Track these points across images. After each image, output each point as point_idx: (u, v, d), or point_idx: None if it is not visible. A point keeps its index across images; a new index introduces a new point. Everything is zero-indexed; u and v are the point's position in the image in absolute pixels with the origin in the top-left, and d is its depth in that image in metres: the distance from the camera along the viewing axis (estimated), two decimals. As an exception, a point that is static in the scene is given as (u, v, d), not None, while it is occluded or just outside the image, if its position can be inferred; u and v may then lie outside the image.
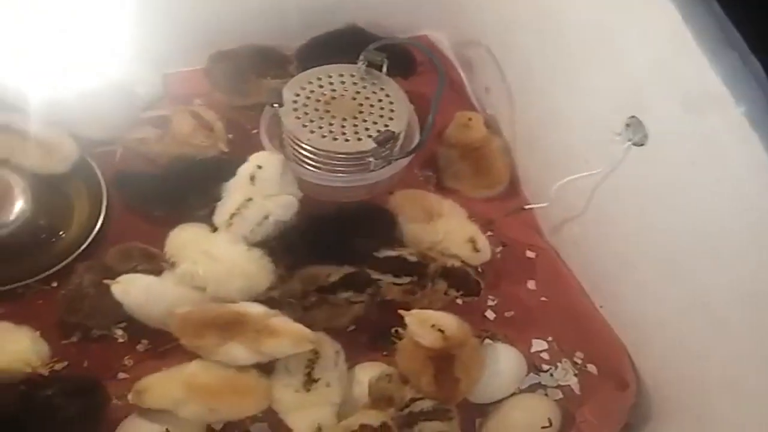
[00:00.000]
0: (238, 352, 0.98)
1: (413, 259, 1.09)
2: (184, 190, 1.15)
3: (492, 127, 1.33)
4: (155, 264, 1.07)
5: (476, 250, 1.14)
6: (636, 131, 0.95)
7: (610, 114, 0.98)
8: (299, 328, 0.99)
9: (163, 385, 0.98)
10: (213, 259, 1.05)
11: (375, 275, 1.08)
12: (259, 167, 1.08)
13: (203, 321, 0.98)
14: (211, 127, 1.21)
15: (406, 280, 1.08)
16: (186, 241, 1.09)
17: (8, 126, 1.14)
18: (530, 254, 1.24)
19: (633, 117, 0.95)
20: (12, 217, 1.12)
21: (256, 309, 1.00)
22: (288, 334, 0.98)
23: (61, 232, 1.18)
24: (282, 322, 0.99)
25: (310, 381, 0.99)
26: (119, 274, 1.04)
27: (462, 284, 1.11)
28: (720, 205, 0.86)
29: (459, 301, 1.13)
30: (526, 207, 1.28)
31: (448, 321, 1.02)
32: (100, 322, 1.08)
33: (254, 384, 1.00)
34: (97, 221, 1.16)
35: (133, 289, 1.03)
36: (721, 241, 0.87)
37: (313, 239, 1.10)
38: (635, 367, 1.10)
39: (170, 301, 1.03)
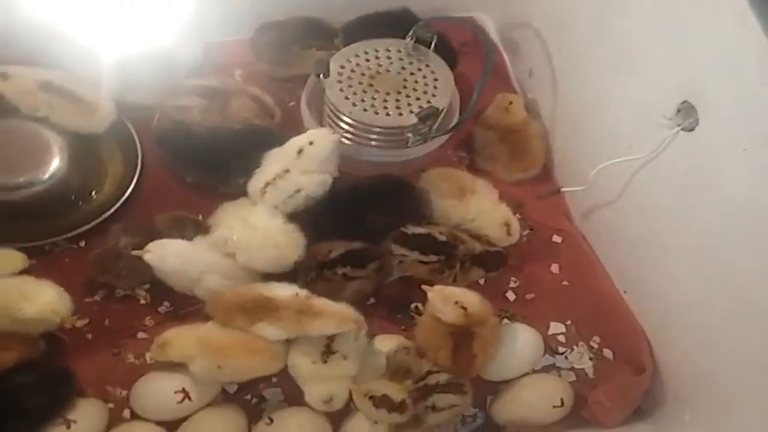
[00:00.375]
0: (269, 331, 1.00)
1: (442, 238, 1.10)
2: (221, 158, 1.16)
3: (531, 111, 1.33)
4: (202, 233, 1.09)
5: (509, 234, 1.16)
6: (687, 116, 0.95)
7: (661, 98, 0.98)
8: (342, 308, 1.00)
9: (180, 340, 1.01)
10: (249, 227, 1.07)
11: (401, 251, 1.08)
12: (311, 143, 1.09)
13: (233, 305, 1.01)
14: (272, 114, 1.22)
15: (433, 258, 1.09)
16: (226, 208, 1.11)
17: (50, 83, 1.16)
18: (557, 239, 1.24)
19: (685, 102, 0.95)
20: (47, 174, 1.13)
21: (286, 291, 1.02)
22: (332, 315, 0.99)
23: (92, 192, 1.20)
24: (324, 303, 1.01)
25: (328, 352, 1.01)
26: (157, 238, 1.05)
27: (491, 265, 1.12)
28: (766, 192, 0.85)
29: (481, 281, 1.16)
30: (563, 190, 1.28)
31: (471, 298, 1.03)
32: (128, 282, 1.10)
33: (266, 345, 1.02)
34: (129, 184, 1.18)
35: (167, 255, 1.04)
36: (762, 228, 0.87)
37: (338, 213, 1.11)
38: (653, 353, 1.11)
39: (200, 268, 1.05)
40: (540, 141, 1.30)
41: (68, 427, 0.97)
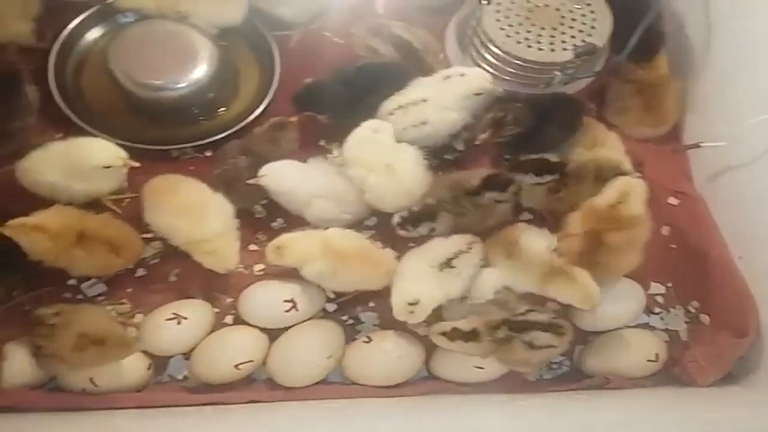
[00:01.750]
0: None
1: (554, 159, 1.10)
2: (359, 94, 1.16)
3: (675, 67, 1.30)
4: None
5: None
6: None
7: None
8: (592, 286, 1.01)
9: (300, 242, 1.05)
10: (390, 173, 1.08)
11: (517, 176, 1.09)
12: (462, 75, 1.11)
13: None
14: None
15: (547, 178, 1.09)
16: (367, 141, 1.11)
17: None
18: (673, 200, 1.24)
19: None
20: (189, 81, 1.18)
21: (540, 243, 1.04)
22: (580, 287, 1.01)
23: (223, 106, 1.24)
24: (580, 272, 1.01)
25: (446, 265, 1.03)
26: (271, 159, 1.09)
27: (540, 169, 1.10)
28: None
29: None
30: (703, 144, 1.24)
31: (639, 203, 1.03)
32: (246, 200, 1.13)
33: (382, 260, 1.06)
34: (261, 102, 1.21)
35: (281, 177, 1.09)
36: None
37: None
38: (759, 320, 1.11)
39: (312, 192, 1.09)
40: (676, 98, 1.28)
41: (179, 323, 1.03)
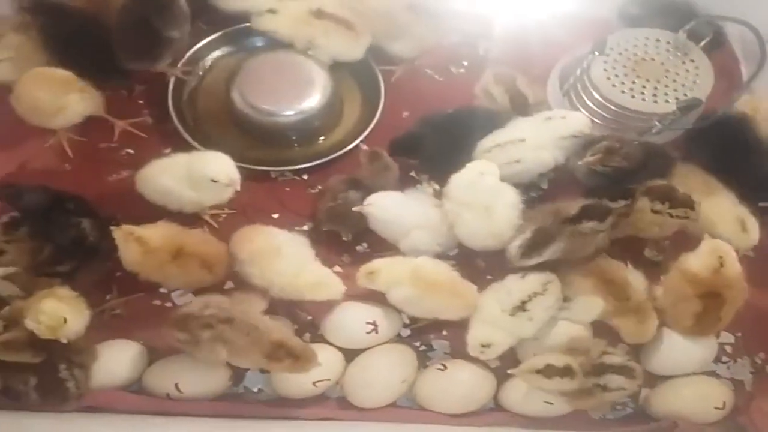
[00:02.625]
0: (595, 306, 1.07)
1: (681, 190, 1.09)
2: (453, 141, 1.19)
3: None
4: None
5: (744, 230, 1.15)
6: None
7: None
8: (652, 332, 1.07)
9: (391, 268, 1.08)
10: (487, 214, 1.09)
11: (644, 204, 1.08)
12: (563, 117, 1.15)
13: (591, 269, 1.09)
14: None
15: (621, 203, 1.10)
16: (472, 184, 1.12)
17: (321, 10, 1.26)
18: (750, 253, 1.19)
19: None
20: (300, 109, 1.25)
21: (641, 282, 1.09)
22: (644, 328, 1.07)
23: (325, 134, 1.30)
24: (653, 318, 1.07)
25: (520, 308, 1.05)
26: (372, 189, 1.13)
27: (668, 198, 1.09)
28: None
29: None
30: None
31: (735, 261, 1.06)
32: (347, 229, 1.17)
33: (468, 292, 1.09)
34: (361, 133, 1.27)
35: (386, 207, 1.12)
36: None
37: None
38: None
39: (413, 222, 1.12)
40: None
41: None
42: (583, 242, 1.07)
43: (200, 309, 1.00)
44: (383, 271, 1.08)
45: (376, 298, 1.10)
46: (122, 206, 1.15)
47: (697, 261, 1.07)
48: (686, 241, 1.11)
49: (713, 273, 1.06)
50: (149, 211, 1.12)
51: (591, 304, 1.09)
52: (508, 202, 1.11)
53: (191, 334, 0.99)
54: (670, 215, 1.07)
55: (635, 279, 1.10)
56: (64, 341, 0.98)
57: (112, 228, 1.03)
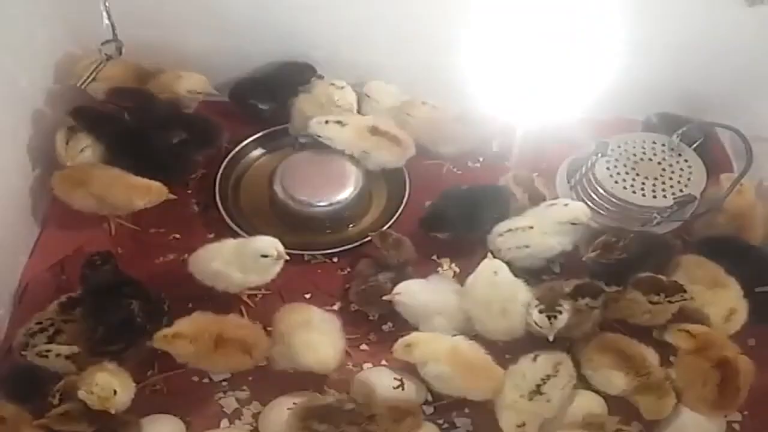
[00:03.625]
0: (618, 380, 1.13)
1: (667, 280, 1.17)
2: (481, 216, 1.31)
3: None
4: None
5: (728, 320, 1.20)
6: None
7: None
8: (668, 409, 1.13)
9: (430, 343, 1.14)
10: (503, 315, 1.18)
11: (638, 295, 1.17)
12: (566, 204, 1.27)
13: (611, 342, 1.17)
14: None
15: (614, 288, 1.18)
16: (488, 283, 1.20)
17: (377, 127, 1.41)
18: (752, 342, 1.26)
19: None
20: (335, 199, 1.38)
21: (655, 359, 1.15)
22: (661, 404, 1.12)
23: (352, 225, 1.42)
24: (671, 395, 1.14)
25: (536, 392, 1.11)
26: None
27: (659, 288, 1.17)
28: None
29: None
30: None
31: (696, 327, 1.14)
32: (376, 309, 1.27)
33: (499, 376, 1.14)
34: (388, 221, 1.39)
35: (412, 295, 1.21)
36: None
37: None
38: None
39: (434, 308, 1.21)
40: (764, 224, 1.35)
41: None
42: (581, 318, 1.15)
43: (340, 403, 1.07)
44: (421, 346, 1.14)
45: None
46: (168, 286, 1.24)
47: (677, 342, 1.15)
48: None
49: (700, 342, 1.13)
50: (194, 291, 1.22)
51: (613, 377, 1.15)
52: (523, 301, 1.19)
53: (336, 427, 1.05)
54: (670, 302, 1.16)
55: (651, 355, 1.16)
56: (113, 412, 1.05)
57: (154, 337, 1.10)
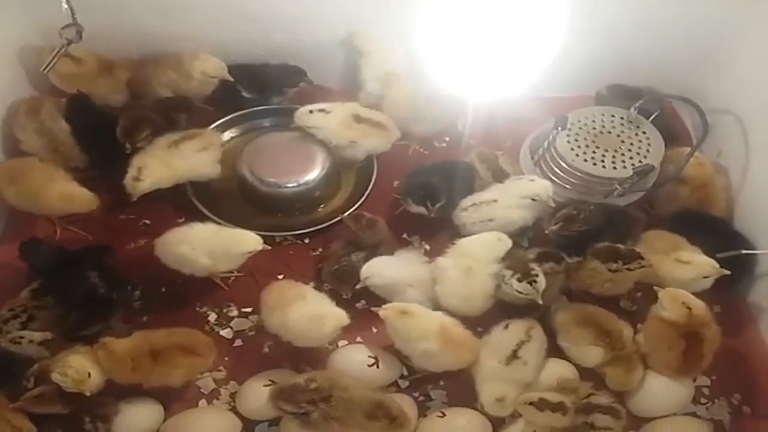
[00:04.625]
0: (596, 355, 1.17)
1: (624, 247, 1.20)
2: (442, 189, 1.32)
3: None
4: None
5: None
6: None
7: None
8: (636, 381, 1.16)
9: (423, 318, 1.14)
10: (461, 271, 1.20)
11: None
12: (531, 180, 1.31)
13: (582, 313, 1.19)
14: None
15: (575, 259, 1.23)
16: (489, 245, 1.24)
17: (359, 114, 1.41)
18: (717, 308, 1.31)
19: None
20: (303, 180, 1.39)
21: (629, 331, 1.19)
22: (628, 376, 1.16)
23: (324, 203, 1.44)
24: (639, 367, 1.17)
25: (513, 357, 1.14)
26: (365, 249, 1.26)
27: (618, 256, 1.20)
28: None
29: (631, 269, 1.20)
30: (745, 252, 1.31)
31: (696, 301, 1.16)
32: (346, 288, 1.28)
33: (476, 347, 1.17)
34: (357, 201, 1.40)
35: (381, 273, 1.22)
36: None
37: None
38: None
39: (405, 283, 1.22)
40: (725, 195, 1.41)
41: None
42: (548, 282, 1.18)
43: (306, 382, 1.07)
44: (415, 318, 1.13)
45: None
46: (140, 272, 1.25)
47: (667, 310, 1.16)
48: (652, 291, 1.21)
49: (687, 317, 1.15)
50: (166, 276, 1.24)
51: (591, 352, 1.19)
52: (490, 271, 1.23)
53: (298, 406, 1.05)
54: (629, 269, 1.20)
55: (627, 330, 1.20)
56: (88, 394, 1.06)
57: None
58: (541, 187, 1.30)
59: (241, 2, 1.45)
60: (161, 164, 1.30)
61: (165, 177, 1.31)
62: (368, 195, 1.43)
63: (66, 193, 1.29)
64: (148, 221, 1.39)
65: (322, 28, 1.50)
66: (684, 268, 1.23)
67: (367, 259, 1.24)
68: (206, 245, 1.20)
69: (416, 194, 1.33)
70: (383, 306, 1.14)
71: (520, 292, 1.17)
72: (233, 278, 1.32)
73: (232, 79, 1.48)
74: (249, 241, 1.21)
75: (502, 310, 1.24)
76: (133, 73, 1.49)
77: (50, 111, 1.37)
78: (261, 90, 1.53)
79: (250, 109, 1.54)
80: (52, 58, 1.34)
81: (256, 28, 1.50)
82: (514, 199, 1.30)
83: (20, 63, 1.45)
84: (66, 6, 1.29)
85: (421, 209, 1.32)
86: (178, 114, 1.43)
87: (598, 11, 1.41)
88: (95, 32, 1.36)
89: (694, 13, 1.44)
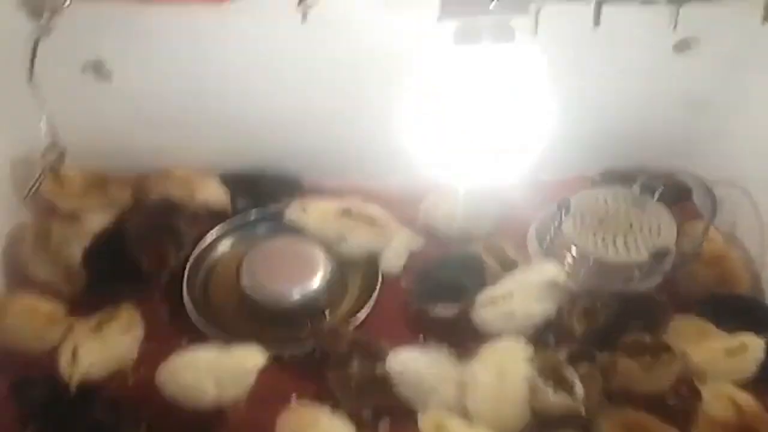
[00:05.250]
0: None
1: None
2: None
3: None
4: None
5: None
6: None
7: None
8: None
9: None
10: (496, 390, 1.13)
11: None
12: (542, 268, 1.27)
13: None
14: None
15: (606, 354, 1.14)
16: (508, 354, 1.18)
17: (349, 210, 1.38)
18: None
19: None
20: (307, 290, 1.32)
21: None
22: None
23: (326, 311, 1.35)
24: None
25: None
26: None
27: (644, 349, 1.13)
28: None
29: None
30: None
31: (742, 394, 1.10)
32: (357, 403, 1.18)
33: None
34: (358, 312, 1.32)
35: (408, 363, 1.16)
36: None
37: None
38: None
39: (434, 381, 1.15)
40: (743, 268, 1.36)
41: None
42: (586, 386, 1.10)
43: None
44: (448, 428, 1.07)
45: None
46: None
47: (713, 409, 1.10)
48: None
49: (737, 414, 1.08)
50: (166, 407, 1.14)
51: None
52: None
53: None
54: (660, 363, 1.13)
55: None
56: None
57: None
58: (553, 270, 1.26)
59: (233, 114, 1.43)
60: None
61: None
62: (375, 303, 1.35)
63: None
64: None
65: (315, 131, 1.47)
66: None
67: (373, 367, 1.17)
68: (211, 371, 1.13)
69: (431, 297, 1.28)
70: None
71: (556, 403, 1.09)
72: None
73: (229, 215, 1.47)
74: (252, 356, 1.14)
75: (540, 422, 1.14)
76: (131, 190, 1.47)
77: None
78: (256, 199, 1.51)
79: (246, 220, 1.49)
80: (33, 185, 1.30)
81: (249, 135, 1.47)
82: (529, 289, 1.25)
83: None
84: (45, 128, 1.25)
85: (439, 311, 1.27)
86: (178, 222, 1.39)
87: (589, 89, 1.38)
88: (83, 149, 1.32)
89: (692, 89, 1.43)
